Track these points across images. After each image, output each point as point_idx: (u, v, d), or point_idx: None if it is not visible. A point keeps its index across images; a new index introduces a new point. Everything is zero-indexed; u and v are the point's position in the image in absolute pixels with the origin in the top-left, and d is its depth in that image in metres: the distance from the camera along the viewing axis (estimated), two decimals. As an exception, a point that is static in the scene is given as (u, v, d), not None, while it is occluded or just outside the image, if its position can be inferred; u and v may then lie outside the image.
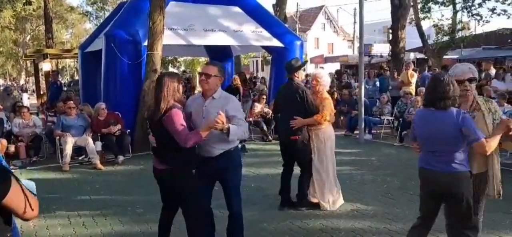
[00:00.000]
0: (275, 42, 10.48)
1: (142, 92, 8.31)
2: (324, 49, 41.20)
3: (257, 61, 43.24)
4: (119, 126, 7.68)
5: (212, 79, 3.14)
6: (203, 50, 13.05)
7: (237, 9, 10.58)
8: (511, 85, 9.03)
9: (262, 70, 39.46)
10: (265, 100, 10.26)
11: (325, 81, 4.71)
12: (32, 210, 1.65)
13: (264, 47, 11.37)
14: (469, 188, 2.83)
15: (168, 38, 8.80)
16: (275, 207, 4.88)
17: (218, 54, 12.86)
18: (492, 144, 2.73)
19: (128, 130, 8.00)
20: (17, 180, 1.61)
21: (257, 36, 10.48)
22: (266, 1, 13.91)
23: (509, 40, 17.40)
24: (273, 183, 5.91)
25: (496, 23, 20.90)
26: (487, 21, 17.36)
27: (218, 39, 10.04)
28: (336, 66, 26.54)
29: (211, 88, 3.17)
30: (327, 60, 29.94)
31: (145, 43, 8.44)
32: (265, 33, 10.50)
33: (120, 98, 8.43)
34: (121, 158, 7.43)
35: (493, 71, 10.56)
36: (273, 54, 11.34)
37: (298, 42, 10.85)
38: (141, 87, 8.38)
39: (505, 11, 16.57)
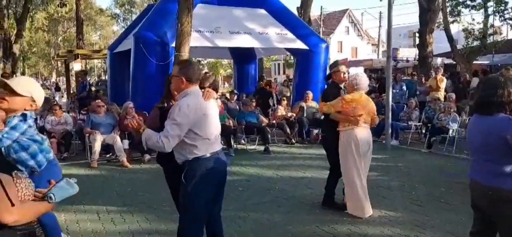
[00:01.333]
0: (300, 45, 10.43)
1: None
2: (347, 53, 40.78)
3: (278, 64, 43.23)
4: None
5: (173, 79, 2.92)
6: (228, 52, 13.15)
7: (262, 11, 10.60)
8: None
9: (284, 73, 39.44)
10: (286, 102, 10.22)
11: (353, 81, 4.61)
12: (13, 206, 1.69)
13: (288, 49, 11.34)
14: None
15: (195, 40, 8.90)
16: (300, 210, 4.84)
17: (242, 57, 12.92)
18: None
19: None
20: None
21: (281, 38, 10.47)
22: (291, 3, 13.92)
23: (544, 46, 16.75)
24: (297, 186, 5.88)
25: (530, 28, 20.19)
26: (521, 26, 16.77)
27: (243, 41, 10.09)
28: (360, 70, 26.21)
29: (173, 88, 3.01)
30: (351, 64, 29.54)
31: (173, 45, 8.56)
32: (290, 35, 10.47)
33: (147, 98, 8.56)
34: (147, 156, 7.54)
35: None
36: (297, 56, 11.30)
37: (323, 45, 10.77)
38: (168, 88, 8.50)
39: (540, 15, 15.99)
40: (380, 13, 34.53)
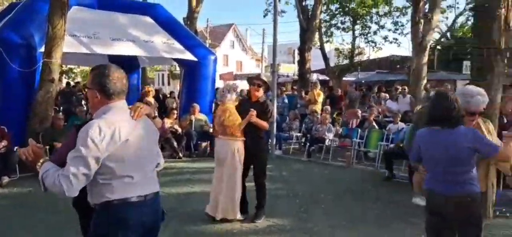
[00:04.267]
0: (188, 55, 10.23)
1: (34, 103, 7.40)
2: (233, 67, 41.82)
3: (163, 74, 42.13)
4: (4, 142, 6.69)
5: (88, 92, 2.26)
6: (107, 61, 12.23)
7: (147, 18, 10.13)
8: (403, 105, 10.07)
9: (169, 84, 38.58)
10: (175, 115, 9.91)
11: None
12: None
13: (176, 59, 11.04)
14: (480, 210, 2.75)
15: (68, 45, 8.00)
16: (189, 227, 4.63)
17: (123, 66, 12.10)
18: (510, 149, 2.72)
19: (16, 147, 6.97)
20: None
21: (168, 47, 10.13)
22: (177, 14, 13.71)
23: (398, 66, 19.59)
24: (187, 203, 5.65)
25: (388, 50, 23.54)
26: (380, 48, 19.41)
27: (125, 49, 9.44)
28: (245, 84, 27.07)
29: (90, 105, 2.33)
30: (236, 77, 30.38)
31: (42, 49, 7.55)
32: (177, 45, 10.19)
33: (6, 110, 7.37)
34: (5, 179, 6.45)
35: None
36: (185, 67, 11.06)
37: (212, 57, 10.75)
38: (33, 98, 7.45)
39: (396, 39, 18.83)
40: (264, 29, 36.36)
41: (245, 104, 4.82)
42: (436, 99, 2.79)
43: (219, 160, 4.74)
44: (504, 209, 4.99)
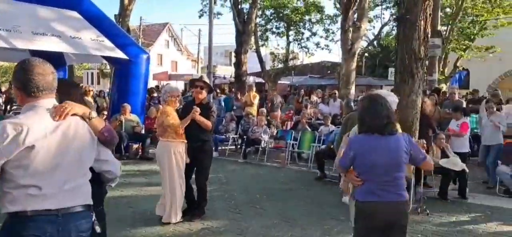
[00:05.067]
0: (119, 54, 9.76)
1: None
2: (167, 66, 40.85)
3: (92, 73, 39.98)
4: None
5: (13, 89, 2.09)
6: (28, 56, 11.28)
7: (74, 13, 9.51)
8: (334, 108, 10.55)
9: (99, 83, 36.70)
10: (105, 116, 9.42)
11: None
12: None
13: (105, 57, 10.49)
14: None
15: (-17, 38, 7.27)
16: (115, 232, 4.42)
17: (48, 62, 11.29)
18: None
19: None
20: None
21: (98, 45, 9.58)
22: (108, 11, 13.09)
23: (329, 71, 20.52)
24: (118, 206, 5.38)
25: (320, 56, 24.63)
26: (312, 54, 20.20)
27: (49, 44, 8.76)
28: (180, 84, 26.58)
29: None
30: (171, 77, 29.72)
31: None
32: (108, 43, 9.68)
33: None
34: None
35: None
36: (115, 66, 10.56)
37: (145, 56, 10.38)
38: None
39: (327, 46, 19.70)
40: (200, 30, 35.97)
41: (189, 107, 4.84)
42: (371, 105, 2.67)
43: (159, 162, 4.73)
44: (425, 207, 5.42)
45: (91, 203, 2.02)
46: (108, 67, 23.48)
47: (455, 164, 6.14)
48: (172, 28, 45.04)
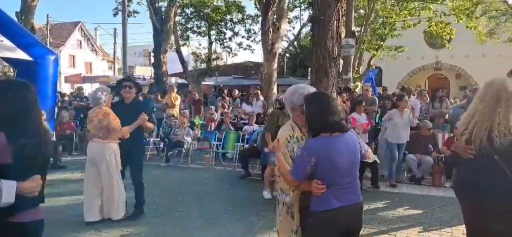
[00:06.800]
0: (21, 55, 8.81)
1: None
2: (81, 68, 38.19)
3: (-5, 77, 35.95)
4: None
5: None
6: None
7: (-34, 9, 8.41)
8: (257, 108, 10.68)
9: None
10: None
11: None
12: None
13: (5, 59, 9.43)
14: None
15: None
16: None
17: None
18: None
19: None
20: None
21: (-4, 45, 8.60)
22: (7, 8, 11.80)
23: (253, 71, 20.80)
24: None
25: (244, 56, 24.91)
26: (235, 54, 20.30)
27: None
28: (96, 86, 25.06)
29: None
30: (85, 80, 27.82)
31: None
32: (7, 43, 8.70)
33: None
34: None
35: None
36: (18, 68, 9.54)
37: (52, 57, 9.47)
38: None
39: (249, 46, 19.86)
40: (115, 29, 34.13)
41: (119, 107, 4.91)
42: (326, 101, 2.44)
43: (94, 163, 4.71)
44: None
45: None
46: (12, 69, 21.25)
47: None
48: (85, 27, 42.21)
